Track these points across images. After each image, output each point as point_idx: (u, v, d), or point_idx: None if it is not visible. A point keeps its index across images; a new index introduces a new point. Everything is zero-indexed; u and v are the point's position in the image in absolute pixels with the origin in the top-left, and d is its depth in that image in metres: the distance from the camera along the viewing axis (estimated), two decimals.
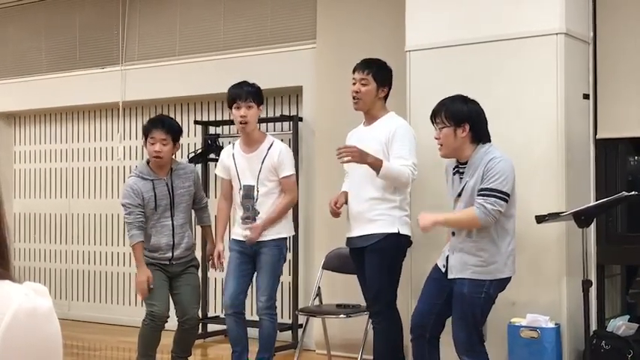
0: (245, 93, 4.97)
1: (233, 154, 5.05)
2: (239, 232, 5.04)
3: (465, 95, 4.29)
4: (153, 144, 4.96)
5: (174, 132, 5.03)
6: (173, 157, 5.10)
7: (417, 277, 5.16)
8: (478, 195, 4.04)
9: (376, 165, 4.44)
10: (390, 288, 4.66)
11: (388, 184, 4.58)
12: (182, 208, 5.05)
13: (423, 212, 4.27)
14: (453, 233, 4.22)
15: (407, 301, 5.13)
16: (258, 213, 4.94)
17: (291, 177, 5.01)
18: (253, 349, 5.08)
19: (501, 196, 4.01)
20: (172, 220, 5.00)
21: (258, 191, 4.94)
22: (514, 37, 4.91)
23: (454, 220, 4.19)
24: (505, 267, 4.13)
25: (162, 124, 5.02)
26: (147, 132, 5.02)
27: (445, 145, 4.20)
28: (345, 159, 4.45)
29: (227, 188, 5.11)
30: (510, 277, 4.18)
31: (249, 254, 4.99)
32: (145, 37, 7.59)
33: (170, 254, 5.01)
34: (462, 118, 4.15)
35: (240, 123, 4.96)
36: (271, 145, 5.00)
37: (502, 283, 4.18)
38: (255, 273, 5.04)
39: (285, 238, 5.06)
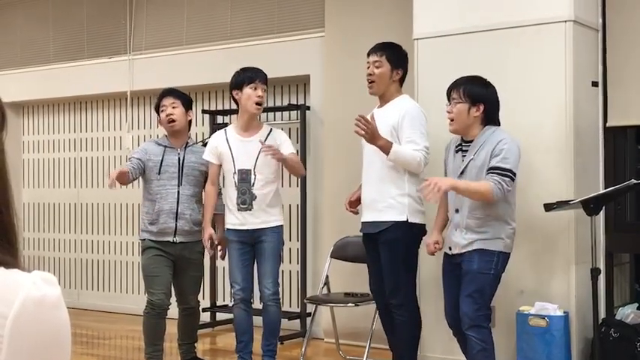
0: (262, 76, 4.98)
1: (227, 139, 4.98)
2: (235, 220, 4.95)
3: (485, 78, 4.35)
4: (164, 111, 5.11)
5: (183, 97, 5.19)
6: (189, 133, 5.25)
7: (424, 267, 5.15)
8: (494, 172, 4.11)
9: (386, 148, 4.43)
10: (407, 280, 4.63)
11: (400, 171, 4.56)
12: (191, 180, 5.09)
13: (435, 177, 4.23)
14: (457, 210, 4.26)
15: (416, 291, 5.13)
16: (256, 197, 4.87)
17: (295, 153, 5.02)
18: (257, 337, 5.07)
19: (513, 177, 4.15)
20: (179, 189, 5.05)
21: (255, 175, 4.88)
22: (523, 25, 4.88)
23: (466, 189, 4.16)
24: (507, 244, 4.24)
25: (170, 92, 5.22)
26: (157, 105, 5.18)
27: (457, 120, 4.28)
28: (359, 131, 4.41)
29: (215, 173, 5.05)
30: (510, 254, 4.28)
31: (249, 242, 4.95)
32: (153, 26, 7.58)
33: (173, 224, 5.02)
34: (479, 98, 4.27)
35: (256, 104, 4.92)
36: (270, 130, 5.00)
37: (506, 259, 4.26)
38: (256, 261, 5.00)
39: (282, 226, 5.05)
